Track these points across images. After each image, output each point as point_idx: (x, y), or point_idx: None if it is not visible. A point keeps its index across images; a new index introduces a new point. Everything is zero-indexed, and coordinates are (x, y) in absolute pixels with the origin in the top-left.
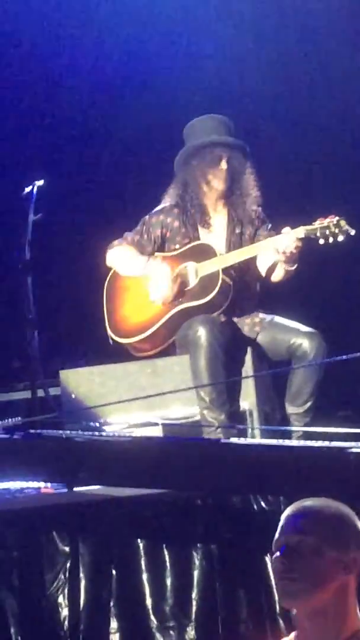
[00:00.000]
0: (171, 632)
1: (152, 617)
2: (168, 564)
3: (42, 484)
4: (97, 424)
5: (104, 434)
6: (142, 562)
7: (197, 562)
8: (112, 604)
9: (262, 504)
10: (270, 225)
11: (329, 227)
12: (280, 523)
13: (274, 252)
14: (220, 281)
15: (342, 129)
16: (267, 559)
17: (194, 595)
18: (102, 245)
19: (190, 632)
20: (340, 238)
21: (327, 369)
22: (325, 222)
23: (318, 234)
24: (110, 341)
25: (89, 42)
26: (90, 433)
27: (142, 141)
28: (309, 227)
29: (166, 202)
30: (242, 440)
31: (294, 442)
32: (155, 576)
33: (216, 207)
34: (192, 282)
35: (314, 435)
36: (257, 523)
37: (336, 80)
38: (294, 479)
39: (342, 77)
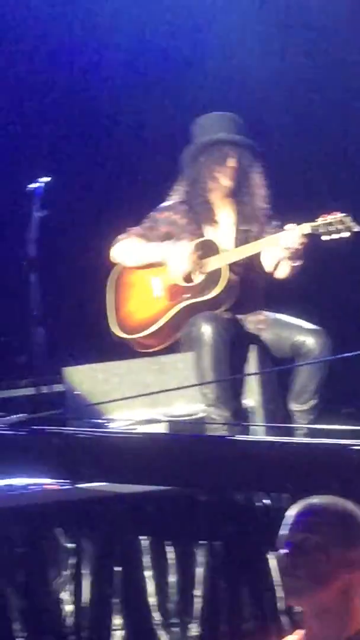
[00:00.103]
0: (174, 628)
1: (156, 614)
2: (172, 560)
3: (46, 481)
4: (101, 421)
5: (108, 430)
6: (146, 559)
7: (200, 559)
8: (115, 600)
9: (266, 501)
10: (279, 223)
11: (334, 223)
12: (286, 520)
13: (279, 249)
14: (225, 277)
15: (346, 124)
16: (271, 556)
17: (197, 592)
18: (107, 242)
19: (194, 628)
20: (345, 234)
21: (331, 366)
22: (330, 218)
23: (322, 230)
24: (115, 338)
25: (92, 40)
26: (95, 430)
27: (147, 139)
28: (313, 223)
29: (173, 198)
30: (246, 437)
31: (298, 440)
32: (159, 573)
33: (223, 204)
34: (198, 278)
35: (318, 433)
36: (261, 520)
37: (339, 74)
38: (298, 476)
39: (346, 71)
